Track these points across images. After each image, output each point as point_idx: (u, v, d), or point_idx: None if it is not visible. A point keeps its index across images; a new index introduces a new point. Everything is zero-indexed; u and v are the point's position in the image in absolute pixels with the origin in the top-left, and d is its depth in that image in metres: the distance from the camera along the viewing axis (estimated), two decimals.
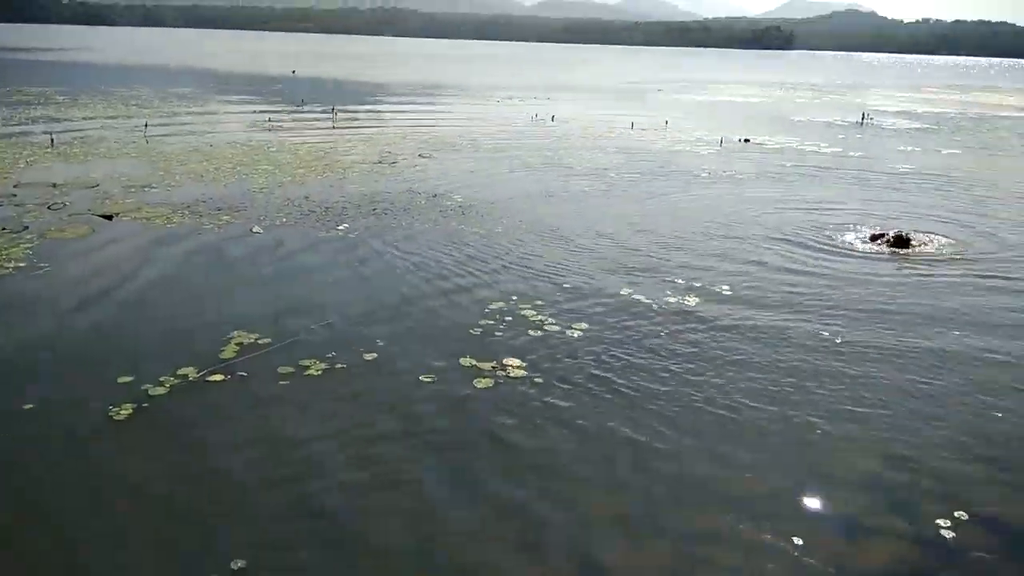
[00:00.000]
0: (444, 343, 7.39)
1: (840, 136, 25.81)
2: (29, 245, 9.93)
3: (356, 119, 25.81)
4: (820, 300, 8.86)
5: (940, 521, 4.86)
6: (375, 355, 7.04)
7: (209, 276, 9.24)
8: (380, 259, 10.02)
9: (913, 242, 11.33)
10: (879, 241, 11.42)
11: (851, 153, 21.69)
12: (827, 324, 8.10)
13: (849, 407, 6.33)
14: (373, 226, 11.60)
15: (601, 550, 4.65)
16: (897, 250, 11.07)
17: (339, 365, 6.79)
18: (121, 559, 4.45)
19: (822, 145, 23.14)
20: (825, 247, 11.18)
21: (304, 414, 6.02)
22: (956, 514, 4.92)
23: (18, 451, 5.42)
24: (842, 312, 8.48)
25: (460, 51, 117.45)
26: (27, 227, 10.76)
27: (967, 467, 5.52)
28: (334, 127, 23.45)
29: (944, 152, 22.79)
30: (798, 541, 4.67)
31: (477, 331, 7.66)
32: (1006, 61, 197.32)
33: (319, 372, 6.65)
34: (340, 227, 11.44)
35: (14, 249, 9.71)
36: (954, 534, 4.75)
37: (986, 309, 8.78)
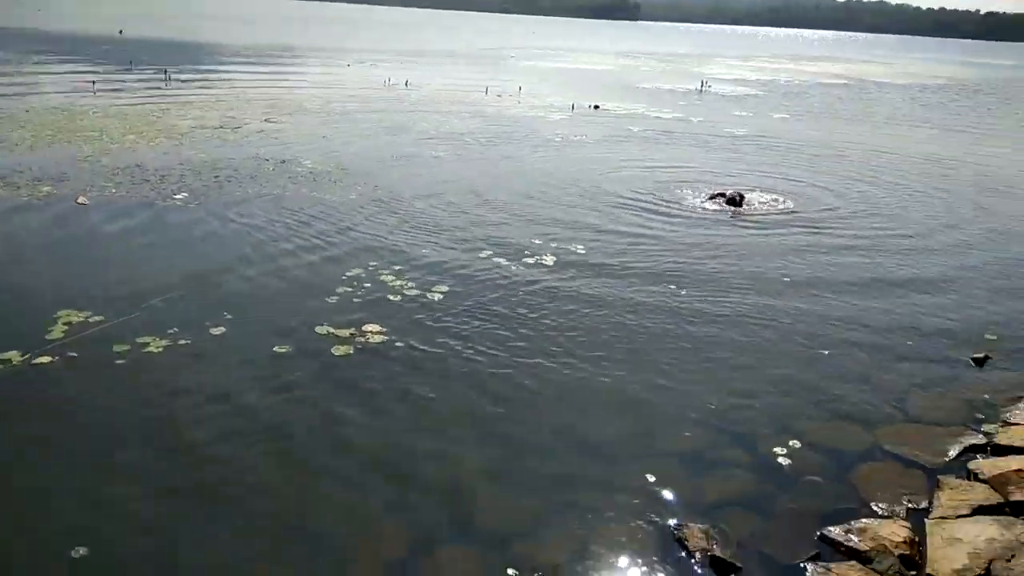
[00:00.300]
0: (298, 313, 7.13)
1: (681, 103, 27.07)
2: None
3: (194, 82, 24.13)
4: (662, 257, 9.28)
5: (777, 450, 5.28)
6: (223, 329, 6.67)
7: (30, 252, 8.38)
8: (225, 229, 9.47)
9: (747, 200, 12.04)
10: (717, 200, 12.05)
11: (692, 118, 22.82)
12: (669, 279, 8.52)
13: (691, 355, 6.71)
14: (216, 195, 10.94)
15: (469, 502, 4.71)
16: (733, 208, 11.73)
17: (182, 341, 6.39)
18: None
19: (665, 111, 24.19)
20: (668, 206, 11.72)
21: (143, 394, 5.62)
22: (790, 443, 5.36)
23: None
24: (682, 267, 8.93)
25: (309, 13, 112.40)
26: None
27: (796, 403, 6.01)
28: (168, 91, 21.82)
29: (775, 116, 24.47)
30: (651, 478, 4.93)
31: (334, 299, 7.45)
32: (831, 33, 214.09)
33: (160, 349, 6.22)
34: (178, 196, 10.70)
35: None
36: (789, 461, 5.18)
37: (812, 264, 9.52)
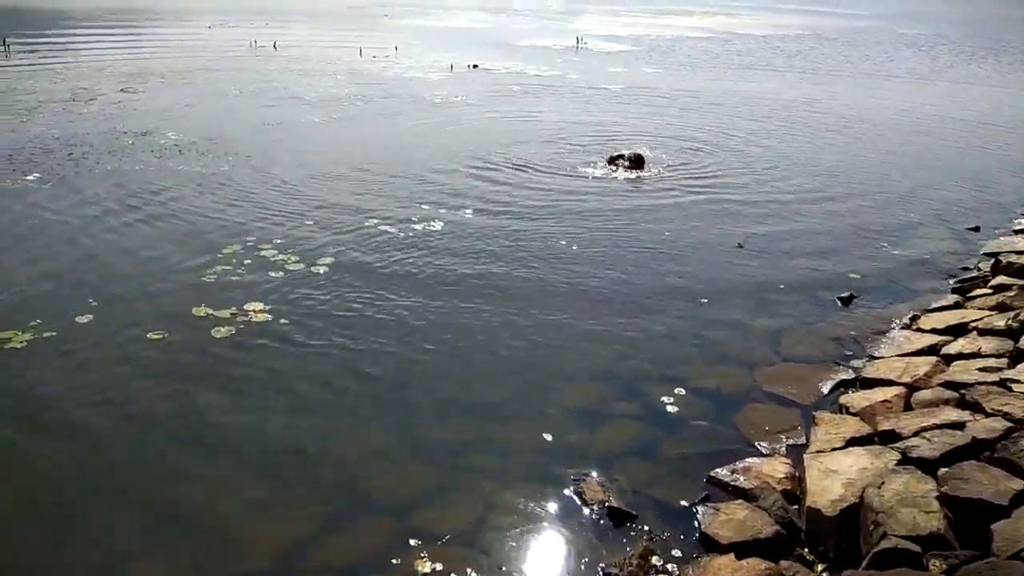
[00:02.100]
0: (173, 294, 6.75)
1: (559, 60, 27.16)
2: None
3: (37, 52, 22.09)
4: (552, 219, 9.33)
5: (664, 398, 5.49)
6: (90, 316, 6.24)
7: None
8: (83, 209, 8.80)
9: (647, 163, 11.71)
10: (616, 164, 11.62)
11: (571, 74, 22.97)
12: (557, 240, 8.61)
13: (580, 314, 6.82)
14: (72, 173, 10.13)
15: (367, 477, 4.66)
16: (633, 173, 11.37)
17: (47, 333, 5.93)
18: None
19: (544, 68, 24.22)
20: (559, 168, 11.76)
21: (8, 392, 5.19)
22: (676, 391, 5.58)
23: None
24: (572, 228, 8.98)
25: None
26: None
27: (681, 351, 6.25)
28: (8, 62, 19.88)
29: (647, 70, 25.01)
30: (547, 437, 5.02)
31: (211, 278, 7.09)
32: None
33: (22, 344, 5.75)
34: (30, 177, 9.83)
35: None
36: (677, 408, 5.40)
37: (688, 223, 9.77)
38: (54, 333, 5.96)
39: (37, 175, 9.94)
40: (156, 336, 6.02)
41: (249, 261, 7.51)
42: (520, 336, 6.36)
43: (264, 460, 4.77)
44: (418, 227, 8.71)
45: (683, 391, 5.59)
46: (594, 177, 11.20)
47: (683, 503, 4.46)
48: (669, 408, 5.40)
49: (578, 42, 33.65)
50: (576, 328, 6.56)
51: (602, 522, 4.32)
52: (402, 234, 8.46)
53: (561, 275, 7.59)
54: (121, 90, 16.33)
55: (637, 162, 11.64)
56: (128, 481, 4.52)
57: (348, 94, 17.48)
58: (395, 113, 15.62)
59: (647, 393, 5.58)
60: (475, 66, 23.56)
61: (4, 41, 23.12)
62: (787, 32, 48.31)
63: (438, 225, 8.76)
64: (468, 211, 9.32)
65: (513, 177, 10.94)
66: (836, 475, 4.41)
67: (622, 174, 11.31)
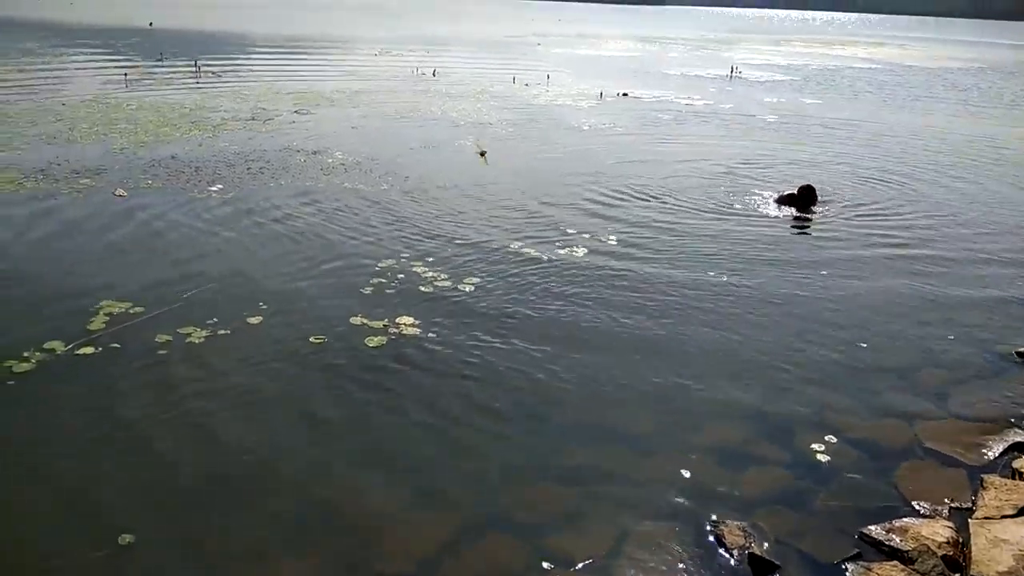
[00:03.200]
0: (333, 303, 7.20)
1: (712, 89, 26.71)
2: None
3: (223, 74, 24.33)
4: (702, 250, 9.18)
5: (815, 446, 5.23)
6: (260, 319, 6.76)
7: (71, 244, 8.53)
8: (259, 219, 9.57)
9: (819, 199, 11.05)
10: (783, 202, 11.02)
11: (723, 104, 22.52)
12: (707, 271, 8.44)
13: (728, 350, 6.65)
14: (250, 186, 11.06)
15: (505, 493, 4.73)
16: (795, 210, 10.83)
17: (222, 331, 6.48)
18: (5, 539, 4.13)
19: (696, 97, 23.89)
20: (709, 198, 11.57)
21: (186, 383, 5.72)
22: (828, 439, 5.30)
23: None
24: (723, 259, 8.81)
25: (332, 1, 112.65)
26: None
27: (835, 397, 5.93)
28: (199, 82, 22.05)
29: (807, 101, 24.06)
30: (686, 473, 4.91)
31: (368, 290, 7.50)
32: (867, 16, 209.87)
33: (200, 340, 6.32)
34: (213, 188, 10.83)
35: None
36: (828, 457, 5.13)
37: (853, 258, 9.36)
38: (228, 331, 6.50)
39: (219, 186, 10.92)
40: (317, 340, 6.43)
41: (402, 276, 7.87)
42: (664, 369, 6.27)
43: (405, 465, 4.96)
44: (561, 252, 8.82)
45: (835, 440, 5.30)
46: (750, 210, 10.90)
47: (831, 559, 4.21)
48: (820, 457, 5.13)
49: (733, 71, 32.95)
50: (724, 364, 6.38)
51: (741, 569, 4.16)
52: (546, 259, 8.59)
53: (708, 309, 7.42)
54: (295, 111, 17.67)
55: (806, 198, 10.95)
56: (282, 473, 4.83)
57: (499, 120, 18.01)
58: (544, 140, 15.92)
59: (796, 439, 5.33)
60: (625, 94, 23.62)
61: (196, 63, 25.71)
62: (960, 65, 45.03)
63: (581, 252, 8.82)
64: (612, 239, 9.32)
65: (660, 208, 10.84)
66: (1007, 545, 4.04)
67: (785, 211, 10.87)
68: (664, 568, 4.18)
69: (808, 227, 10.39)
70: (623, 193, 11.47)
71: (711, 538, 4.38)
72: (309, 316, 6.90)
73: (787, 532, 4.42)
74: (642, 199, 11.17)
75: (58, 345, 6.05)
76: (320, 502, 4.60)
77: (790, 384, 6.08)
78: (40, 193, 10.24)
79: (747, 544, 4.28)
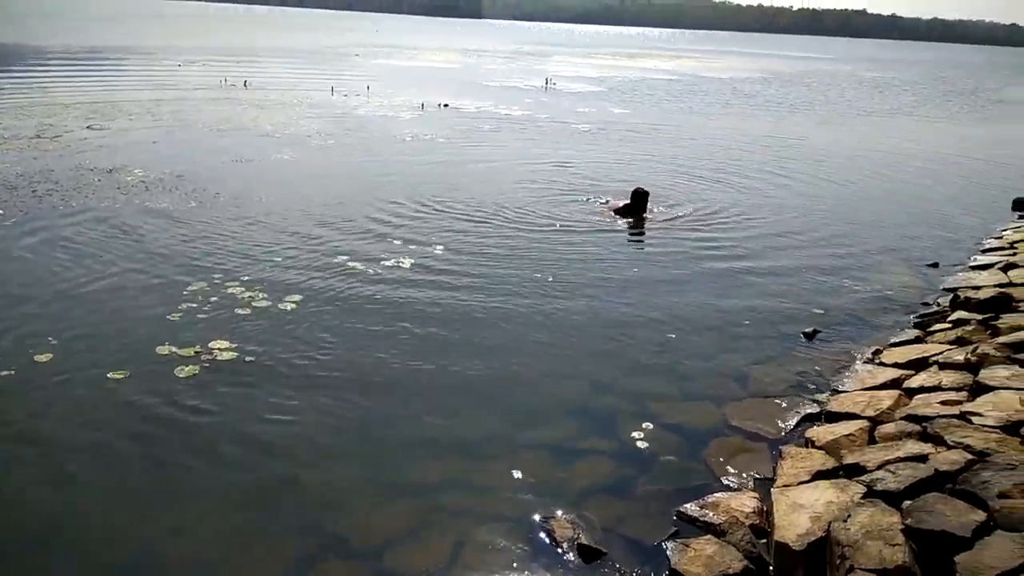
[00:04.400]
0: (136, 333, 6.63)
1: (528, 100, 27.60)
2: None
3: (1, 88, 21.85)
4: (521, 258, 9.41)
5: (635, 434, 5.50)
6: (49, 355, 6.10)
7: None
8: (46, 248, 8.64)
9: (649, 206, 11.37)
10: (622, 215, 11.26)
11: (540, 114, 23.32)
12: (528, 276, 8.66)
13: (550, 350, 6.86)
14: (35, 210, 9.97)
15: (340, 516, 4.57)
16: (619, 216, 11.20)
17: (3, 372, 5.77)
18: None
19: (514, 108, 24.58)
20: (529, 205, 11.89)
21: None
22: (646, 426, 5.60)
23: None
24: (542, 266, 9.07)
25: (130, 8, 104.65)
26: None
27: (650, 387, 6.28)
28: None
29: (616, 110, 25.49)
30: (517, 474, 4.99)
31: (176, 316, 6.98)
32: (665, 30, 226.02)
33: None
34: None
35: None
36: (647, 443, 5.41)
37: (659, 259, 10.01)
38: (11, 372, 5.81)
39: (0, 212, 9.78)
40: (116, 375, 5.89)
41: (215, 299, 7.42)
42: (490, 373, 6.35)
43: (230, 501, 4.66)
44: (388, 263, 8.70)
45: (653, 426, 5.61)
46: (571, 214, 11.33)
47: (652, 540, 4.44)
48: (640, 444, 5.40)
49: (547, 82, 34.26)
50: (548, 365, 6.57)
51: (572, 560, 4.28)
52: (371, 271, 8.44)
53: (529, 309, 7.62)
54: (87, 127, 16.20)
55: (639, 204, 11.22)
56: (79, 529, 4.38)
57: (318, 132, 17.54)
58: (365, 152, 15.69)
59: (618, 429, 5.58)
60: (446, 105, 23.84)
61: None
62: (749, 75, 49.69)
63: (407, 263, 8.76)
64: (438, 249, 9.33)
65: (483, 213, 11.01)
66: (803, 509, 4.43)
67: (612, 218, 11.31)
68: (500, 570, 4.21)
69: (630, 230, 10.96)
70: (447, 203, 11.53)
71: (543, 534, 4.47)
72: (108, 349, 6.31)
73: (612, 519, 4.61)
74: (466, 209, 11.28)
75: None
76: (137, 548, 4.22)
77: (611, 380, 6.37)
78: None
79: (575, 535, 4.42)
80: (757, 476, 5.08)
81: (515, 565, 4.25)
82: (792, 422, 5.78)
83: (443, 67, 43.23)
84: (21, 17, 63.09)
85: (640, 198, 11.39)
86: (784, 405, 6.03)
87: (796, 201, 13.20)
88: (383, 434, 5.44)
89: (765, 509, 4.65)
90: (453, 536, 4.45)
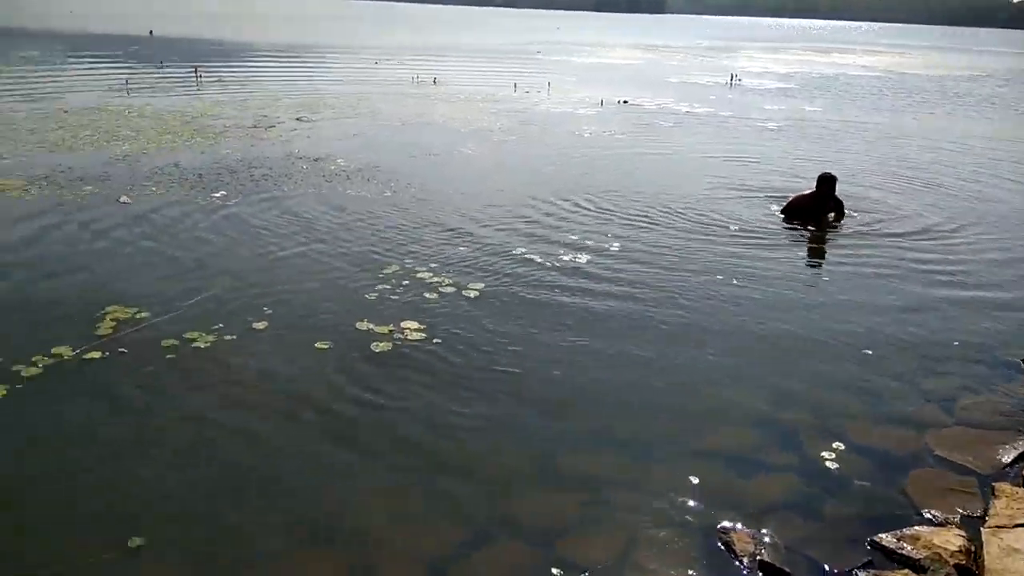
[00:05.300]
0: (338, 309, 7.18)
1: (712, 96, 26.79)
2: None
3: (224, 81, 24.37)
4: (707, 257, 9.19)
5: (824, 453, 5.21)
6: (265, 324, 6.75)
7: (76, 250, 8.52)
8: (262, 227, 9.56)
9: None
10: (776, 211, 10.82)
11: (723, 111, 22.58)
12: (714, 275, 8.43)
13: (736, 356, 6.63)
14: (253, 193, 11.06)
15: (512, 499, 4.70)
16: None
17: (228, 336, 6.47)
18: (14, 543, 4.11)
19: (696, 105, 23.96)
20: (716, 204, 11.59)
21: (193, 389, 5.70)
22: (836, 445, 5.28)
23: None
24: (730, 266, 8.81)
25: (330, 11, 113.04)
26: None
27: (844, 404, 5.91)
28: (200, 90, 22.09)
29: (807, 108, 24.13)
30: (695, 480, 4.89)
31: (372, 295, 7.49)
32: (863, 24, 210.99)
33: (207, 345, 6.31)
34: (216, 195, 10.83)
35: None
36: (837, 464, 5.10)
37: (860, 271, 9.39)
38: (233, 336, 6.49)
39: (222, 193, 10.93)
40: (322, 345, 6.42)
41: (407, 282, 7.87)
42: (670, 376, 6.26)
43: (410, 471, 4.93)
44: (565, 258, 8.82)
45: (844, 447, 5.28)
46: (749, 212, 10.92)
47: (842, 567, 4.18)
48: (829, 464, 5.10)
49: (732, 78, 33.07)
50: (732, 370, 6.37)
51: None
52: (548, 264, 8.59)
53: (713, 315, 7.42)
54: (296, 118, 17.70)
55: (827, 188, 10.45)
56: (289, 478, 4.80)
57: (500, 127, 18.06)
58: (546, 147, 15.96)
59: (805, 445, 5.31)
60: (625, 102, 23.69)
61: (196, 71, 25.75)
62: (959, 72, 45.21)
63: (583, 259, 8.82)
64: (615, 247, 9.32)
65: (662, 211, 10.86)
66: (1019, 554, 4.01)
67: (792, 211, 10.74)
68: (674, 574, 4.16)
69: (817, 231, 10.38)
70: (624, 200, 11.48)
71: (720, 545, 4.36)
72: (314, 322, 6.89)
73: (797, 539, 4.40)
74: (644, 206, 11.18)
75: (65, 350, 6.03)
76: (328, 507, 4.58)
77: (798, 391, 6.08)
78: (45, 200, 10.24)
79: (757, 551, 4.26)
80: (963, 513, 4.65)
81: (691, 573, 4.18)
82: (1007, 457, 5.22)
83: (623, 64, 42.96)
84: (236, 18, 70.00)
85: (826, 183, 10.54)
86: (997, 438, 5.46)
87: (1019, 215, 11.87)
88: (556, 424, 5.53)
89: (973, 550, 4.25)
90: (625, 534, 4.44)
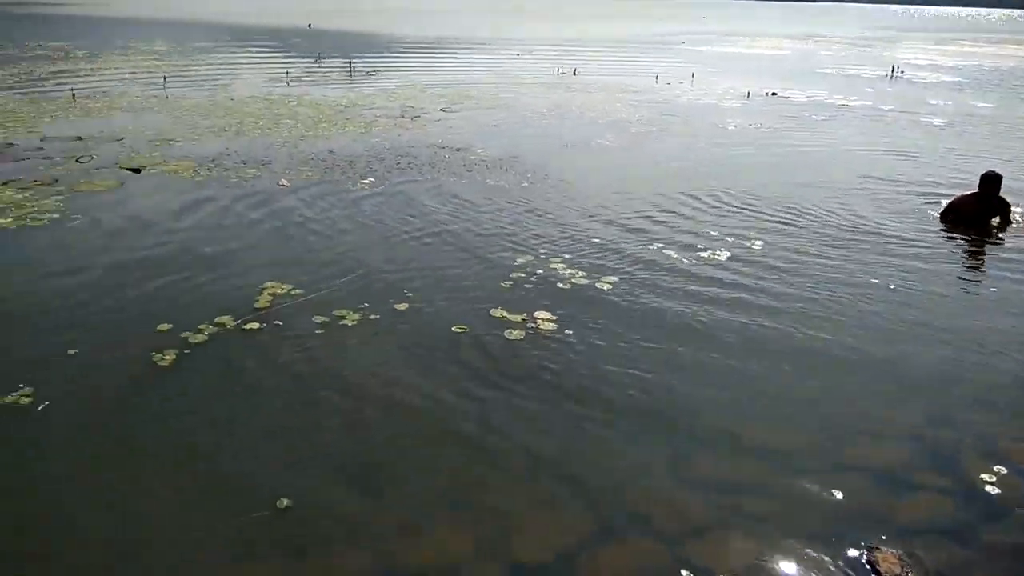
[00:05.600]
0: (474, 295, 7.37)
1: (870, 89, 25.16)
2: (60, 197, 9.96)
3: (375, 73, 25.48)
4: (855, 258, 8.71)
5: (983, 476, 4.81)
6: (406, 305, 7.03)
7: (239, 228, 9.23)
8: (407, 212, 9.96)
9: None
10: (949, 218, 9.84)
11: (882, 105, 21.17)
12: (872, 281, 7.97)
13: (887, 368, 6.24)
14: (399, 180, 11.52)
15: (644, 496, 4.66)
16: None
17: (372, 316, 6.80)
18: (167, 501, 4.52)
19: (852, 98, 22.59)
20: (868, 202, 10.94)
21: (341, 362, 6.05)
22: (997, 468, 4.87)
23: (68, 392, 5.47)
24: (894, 272, 8.30)
25: (480, 3, 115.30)
26: (57, 180, 10.79)
27: (1005, 425, 5.45)
28: (353, 81, 23.21)
29: (978, 103, 22.19)
30: (839, 494, 4.66)
31: (507, 283, 7.63)
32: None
33: (353, 322, 6.66)
34: (366, 180, 11.37)
35: (45, 201, 9.75)
36: (997, 489, 4.71)
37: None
38: (377, 316, 6.81)
39: (371, 179, 11.46)
40: (459, 329, 6.62)
41: (540, 272, 7.95)
42: (814, 383, 5.98)
43: (541, 460, 4.99)
44: (704, 255, 8.60)
45: (1006, 471, 4.85)
46: (917, 215, 10.21)
47: None
48: (988, 488, 4.71)
49: (893, 71, 30.90)
50: (881, 388, 5.98)
51: None
52: (685, 260, 8.41)
53: (860, 329, 6.97)
54: (441, 109, 18.24)
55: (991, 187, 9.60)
56: (425, 454, 4.99)
57: (639, 118, 17.81)
58: (686, 139, 15.60)
59: (961, 467, 4.93)
60: (774, 94, 22.72)
61: (351, 63, 27.06)
62: None
63: (723, 257, 8.56)
64: (757, 245, 8.98)
65: (809, 212, 10.36)
66: None
67: (952, 215, 9.95)
68: None
69: (979, 238, 9.56)
70: (769, 197, 11.04)
71: (865, 564, 4.12)
72: (452, 306, 7.10)
73: (950, 566, 4.10)
74: (789, 204, 10.70)
75: (228, 320, 6.56)
76: (463, 483, 4.73)
77: (955, 409, 5.64)
78: (213, 181, 11.13)
79: (903, 574, 4.01)
80: None
81: None
82: None
83: (774, 54, 41.15)
84: (388, 11, 72.85)
85: (990, 183, 9.64)
86: None
87: None
88: (691, 424, 5.42)
89: None
90: (760, 541, 4.29)
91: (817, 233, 9.48)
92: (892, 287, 7.78)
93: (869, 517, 4.47)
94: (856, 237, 9.37)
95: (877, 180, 12.23)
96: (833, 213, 10.34)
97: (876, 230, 9.67)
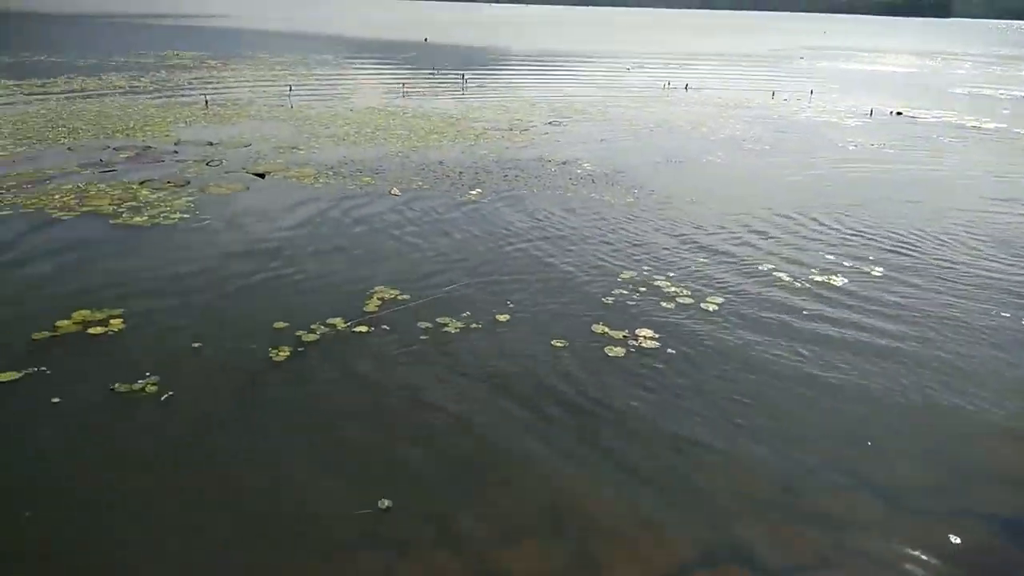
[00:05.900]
0: (576, 309, 7.37)
1: (1004, 110, 23.59)
2: (191, 198, 10.67)
3: (485, 86, 25.97)
4: (982, 289, 8.17)
5: None
6: (507, 317, 7.11)
7: (353, 234, 9.59)
8: (512, 224, 10.08)
9: None
10: None
11: (1017, 128, 19.78)
12: (1003, 316, 7.47)
13: (1012, 403, 5.83)
14: (505, 192, 11.68)
15: (746, 524, 4.53)
16: None
17: (474, 325, 6.91)
18: (278, 485, 4.74)
19: (984, 118, 21.24)
20: (1005, 242, 10.25)
21: (444, 367, 6.18)
22: None
23: (191, 382, 5.84)
24: (1013, 315, 7.78)
25: (590, 16, 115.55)
26: (189, 182, 11.56)
27: None
28: (464, 94, 23.72)
29: None
30: (956, 540, 4.37)
31: (609, 299, 7.58)
32: None
33: (456, 330, 6.79)
34: (473, 191, 11.59)
35: (177, 201, 10.46)
36: None
37: None
38: (479, 325, 6.92)
39: (478, 190, 11.66)
40: (559, 343, 6.63)
41: (644, 289, 7.86)
42: (933, 423, 5.65)
43: (640, 478, 4.92)
44: (817, 279, 8.28)
45: None
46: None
47: None
48: None
49: None
50: (1011, 426, 5.60)
51: None
52: (798, 284, 8.12)
53: (984, 365, 6.54)
54: (549, 122, 18.38)
55: None
56: (520, 464, 5.01)
57: (752, 135, 17.35)
58: (800, 156, 15.08)
59: None
60: (899, 113, 21.64)
61: (463, 76, 27.68)
62: None
63: (840, 282, 8.21)
64: (877, 271, 8.57)
65: (933, 240, 9.79)
66: None
67: None
68: None
69: None
70: (891, 222, 10.51)
71: None
72: (552, 319, 7.13)
73: None
74: (916, 230, 10.16)
75: (339, 322, 6.83)
76: (562, 497, 4.73)
77: None
78: (331, 188, 11.63)
79: None
80: None
81: None
82: None
83: (898, 71, 39.20)
84: (502, 26, 73.94)
85: None
86: None
87: None
88: (795, 455, 5.20)
89: None
90: None
91: (942, 265, 8.94)
92: (1014, 326, 7.25)
93: (987, 567, 4.19)
94: (983, 271, 8.79)
95: (1008, 208, 11.44)
96: (959, 242, 9.75)
97: (1004, 263, 9.03)
